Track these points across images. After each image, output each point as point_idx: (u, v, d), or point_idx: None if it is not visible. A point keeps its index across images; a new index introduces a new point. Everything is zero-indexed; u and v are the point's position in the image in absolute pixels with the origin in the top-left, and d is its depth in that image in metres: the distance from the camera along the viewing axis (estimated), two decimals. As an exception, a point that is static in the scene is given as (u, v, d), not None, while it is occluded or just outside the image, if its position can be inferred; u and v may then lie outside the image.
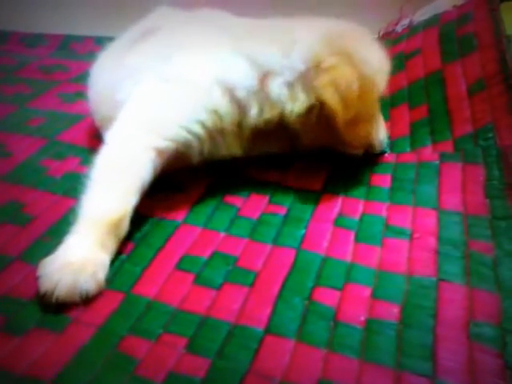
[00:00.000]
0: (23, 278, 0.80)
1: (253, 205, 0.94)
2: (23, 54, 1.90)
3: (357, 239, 0.82)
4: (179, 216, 0.92)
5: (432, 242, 0.79)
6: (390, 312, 0.69)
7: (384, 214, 0.87)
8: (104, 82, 1.07)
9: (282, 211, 0.91)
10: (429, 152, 1.01)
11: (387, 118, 1.14)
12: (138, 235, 0.87)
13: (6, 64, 1.78)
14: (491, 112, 0.99)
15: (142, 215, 0.88)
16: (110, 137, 0.89)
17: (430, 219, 0.84)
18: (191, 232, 0.88)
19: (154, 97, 0.91)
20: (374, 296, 0.71)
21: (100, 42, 1.24)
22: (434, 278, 0.73)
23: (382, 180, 0.96)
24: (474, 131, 0.99)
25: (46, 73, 1.69)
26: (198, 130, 0.88)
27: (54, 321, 0.72)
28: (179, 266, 0.80)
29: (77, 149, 1.16)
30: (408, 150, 1.04)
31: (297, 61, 0.88)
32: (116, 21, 1.09)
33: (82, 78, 1.26)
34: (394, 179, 0.95)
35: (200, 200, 0.96)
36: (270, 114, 0.90)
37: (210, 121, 0.88)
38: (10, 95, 1.51)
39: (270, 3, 1.68)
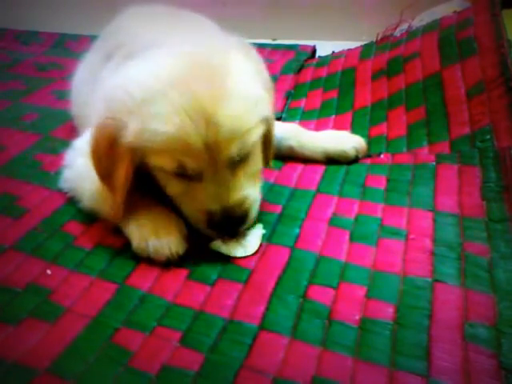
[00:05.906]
0: (16, 267, 0.80)
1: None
2: (18, 51, 1.89)
3: (352, 239, 0.82)
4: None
5: (427, 243, 0.79)
6: (385, 311, 0.69)
7: (379, 214, 0.87)
8: (80, 96, 1.08)
9: (277, 210, 0.91)
10: (425, 153, 1.01)
11: (384, 120, 1.14)
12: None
13: (0, 60, 1.78)
14: (490, 114, 0.99)
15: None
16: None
17: (425, 220, 0.84)
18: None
19: None
20: (369, 295, 0.71)
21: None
22: (429, 279, 0.73)
23: (377, 181, 0.96)
24: (471, 133, 1.00)
25: (41, 70, 1.69)
26: None
27: (48, 311, 0.72)
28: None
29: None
30: (404, 150, 1.04)
31: None
32: (111, 20, 1.08)
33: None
34: (389, 180, 0.95)
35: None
36: None
37: None
38: (5, 91, 1.50)
39: (270, 4, 1.71)
